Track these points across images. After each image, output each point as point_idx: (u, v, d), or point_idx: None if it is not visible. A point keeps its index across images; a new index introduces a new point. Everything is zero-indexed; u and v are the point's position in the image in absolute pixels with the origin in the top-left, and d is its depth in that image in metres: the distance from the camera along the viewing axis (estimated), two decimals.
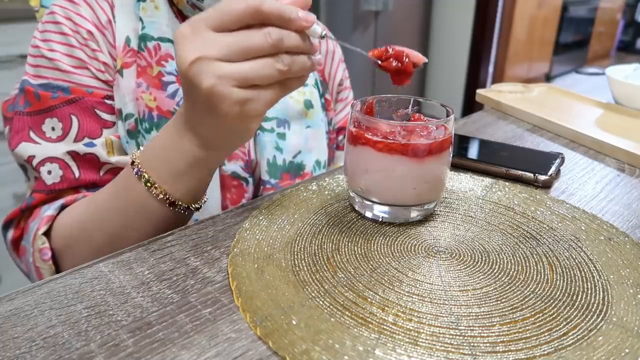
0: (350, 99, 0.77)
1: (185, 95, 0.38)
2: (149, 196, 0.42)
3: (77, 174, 0.51)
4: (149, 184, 0.42)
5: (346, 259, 0.37)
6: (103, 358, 0.28)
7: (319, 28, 0.38)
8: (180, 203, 0.43)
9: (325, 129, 0.68)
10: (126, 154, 0.55)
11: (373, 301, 0.32)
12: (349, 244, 0.39)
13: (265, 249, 0.38)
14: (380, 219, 0.43)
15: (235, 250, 0.38)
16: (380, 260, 0.37)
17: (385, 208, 0.42)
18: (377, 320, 0.30)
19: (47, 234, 0.48)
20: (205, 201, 0.47)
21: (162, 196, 0.42)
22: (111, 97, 0.53)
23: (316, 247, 0.38)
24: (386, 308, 0.31)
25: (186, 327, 0.30)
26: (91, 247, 0.46)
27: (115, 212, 0.45)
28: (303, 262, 0.36)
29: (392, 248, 0.38)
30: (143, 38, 0.55)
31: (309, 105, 0.64)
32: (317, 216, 0.43)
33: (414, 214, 0.42)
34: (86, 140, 0.51)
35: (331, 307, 0.31)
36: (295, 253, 0.38)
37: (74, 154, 0.51)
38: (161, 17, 0.56)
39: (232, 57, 0.34)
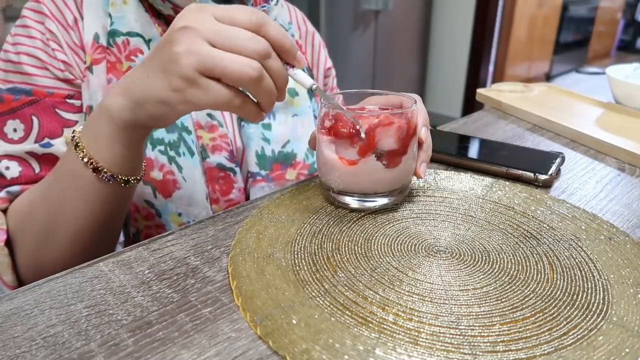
0: (334, 87, 0.78)
1: (153, 51, 0.38)
2: (76, 160, 0.42)
3: (37, 169, 0.51)
4: (77, 147, 0.42)
5: (346, 258, 0.37)
6: (103, 357, 0.28)
7: (309, 79, 0.40)
8: (104, 170, 0.42)
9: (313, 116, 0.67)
10: None
11: (373, 300, 0.32)
12: (349, 243, 0.39)
13: (266, 248, 0.38)
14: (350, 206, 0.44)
15: (235, 249, 0.38)
16: (381, 260, 0.37)
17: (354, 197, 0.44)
18: (378, 320, 0.30)
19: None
20: (138, 179, 0.46)
21: (86, 159, 0.42)
22: (73, 97, 0.53)
23: (316, 247, 0.38)
24: (386, 307, 0.31)
25: (186, 327, 0.30)
26: (35, 226, 0.46)
27: (54, 183, 0.45)
28: (303, 261, 0.36)
29: (392, 247, 0.38)
30: (112, 34, 0.55)
31: (293, 93, 0.64)
32: (317, 216, 0.43)
33: (383, 202, 0.44)
34: (46, 140, 0.51)
35: (331, 306, 0.31)
36: (296, 252, 0.38)
37: (32, 154, 0.51)
38: (129, 12, 0.56)
39: (217, 41, 0.35)
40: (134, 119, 0.40)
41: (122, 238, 0.59)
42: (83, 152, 0.42)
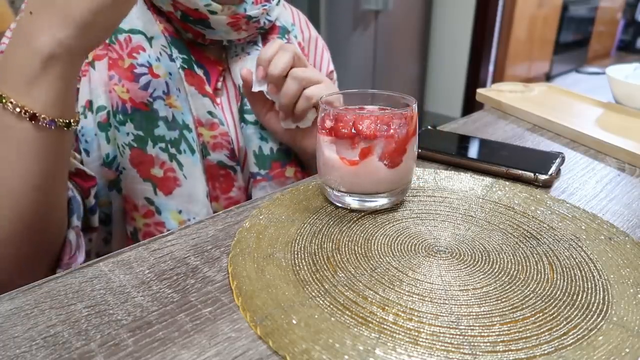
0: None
1: None
2: (5, 114, 0.38)
3: None
4: (3, 100, 0.38)
5: (346, 258, 0.37)
6: (103, 357, 0.28)
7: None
8: (42, 116, 0.39)
9: None
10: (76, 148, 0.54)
11: (373, 300, 0.32)
12: (349, 243, 0.39)
13: (266, 248, 0.38)
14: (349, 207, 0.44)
15: (235, 249, 0.38)
16: (381, 260, 0.37)
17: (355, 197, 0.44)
18: (378, 320, 0.30)
19: None
20: (77, 121, 0.43)
21: (19, 110, 0.38)
22: None
23: (316, 247, 0.38)
24: (386, 307, 0.31)
25: (186, 327, 0.30)
26: None
27: None
28: (303, 261, 0.36)
29: (392, 247, 0.38)
30: (114, 31, 0.55)
31: None
32: (317, 216, 0.43)
33: (383, 202, 0.44)
34: None
35: (331, 306, 0.31)
36: (296, 252, 0.38)
37: None
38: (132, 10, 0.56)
39: None
40: (85, 44, 0.38)
41: (107, 240, 0.59)
42: (12, 102, 0.38)
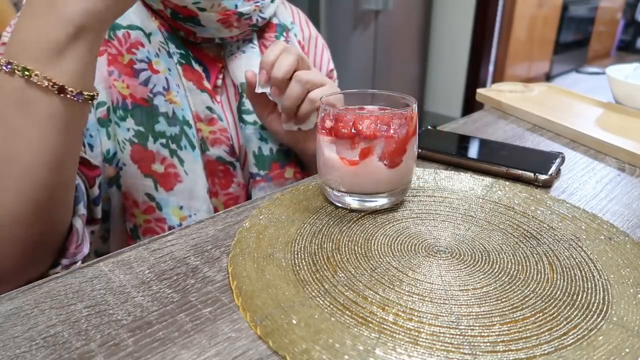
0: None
1: None
2: (29, 88, 0.37)
3: None
4: (27, 73, 0.36)
5: (346, 258, 0.37)
6: (103, 357, 0.28)
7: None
8: (70, 89, 0.38)
9: None
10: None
11: (373, 300, 0.32)
12: (349, 243, 0.39)
13: (266, 248, 0.38)
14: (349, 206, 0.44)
15: (235, 249, 0.37)
16: (381, 260, 0.37)
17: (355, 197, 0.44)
18: (378, 320, 0.30)
19: None
20: (97, 94, 0.42)
21: (46, 83, 0.37)
22: None
23: (316, 247, 0.38)
24: (386, 307, 0.31)
25: (186, 327, 0.30)
26: None
27: None
28: (303, 261, 0.36)
29: (392, 247, 0.38)
30: (112, 27, 0.55)
31: None
32: (317, 216, 0.43)
33: (383, 202, 0.44)
34: None
35: (331, 306, 0.31)
36: (296, 252, 0.38)
37: None
38: None
39: None
40: (115, 12, 0.38)
41: (104, 238, 0.58)
42: (38, 75, 0.37)
